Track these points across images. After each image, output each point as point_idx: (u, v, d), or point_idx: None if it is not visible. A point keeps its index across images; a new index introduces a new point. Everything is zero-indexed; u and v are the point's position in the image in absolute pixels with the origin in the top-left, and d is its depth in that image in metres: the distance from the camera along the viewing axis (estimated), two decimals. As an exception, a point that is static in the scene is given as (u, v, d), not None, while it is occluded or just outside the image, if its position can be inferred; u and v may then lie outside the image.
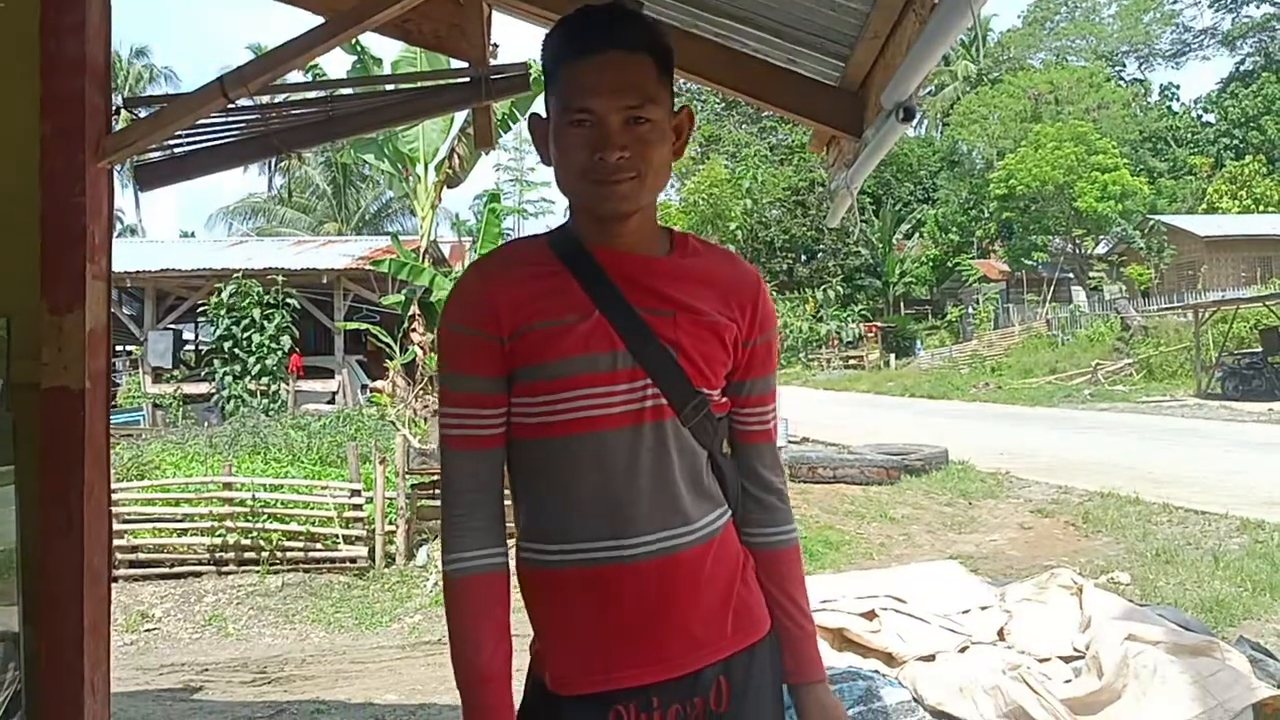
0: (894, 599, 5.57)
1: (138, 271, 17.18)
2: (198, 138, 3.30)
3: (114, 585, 8.36)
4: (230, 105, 3.21)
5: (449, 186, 14.42)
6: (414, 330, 14.53)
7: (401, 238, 15.09)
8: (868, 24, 2.73)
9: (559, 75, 1.56)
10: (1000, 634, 5.41)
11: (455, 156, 13.91)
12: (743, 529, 1.71)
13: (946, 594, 5.89)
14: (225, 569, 8.63)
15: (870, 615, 5.37)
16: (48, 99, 2.93)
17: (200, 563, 8.70)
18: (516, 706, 1.62)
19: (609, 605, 1.56)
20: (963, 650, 5.08)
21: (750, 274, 1.71)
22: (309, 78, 12.62)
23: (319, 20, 3.37)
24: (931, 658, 4.97)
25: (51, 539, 2.94)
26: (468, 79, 3.34)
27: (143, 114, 3.28)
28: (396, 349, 14.63)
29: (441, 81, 3.41)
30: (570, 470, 1.57)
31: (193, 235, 47.29)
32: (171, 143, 3.30)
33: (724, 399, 1.67)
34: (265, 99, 3.46)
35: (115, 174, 3.47)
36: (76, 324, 2.96)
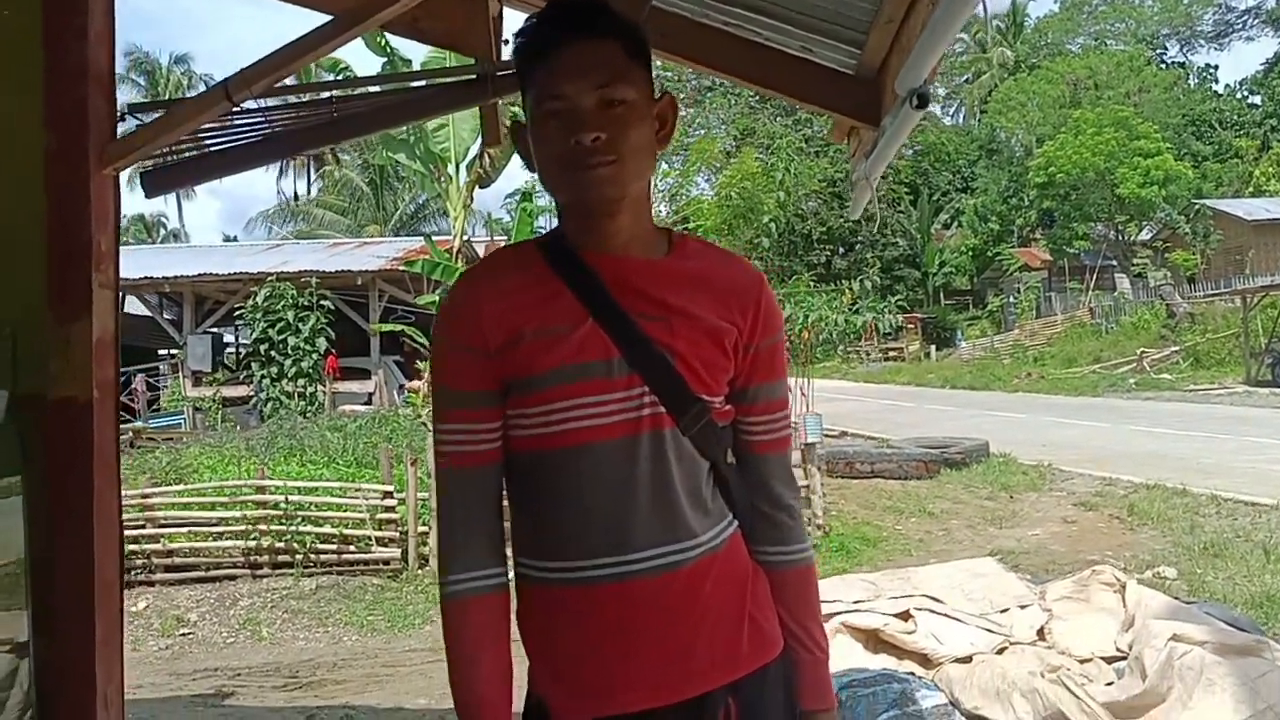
0: (930, 599, 5.44)
1: (176, 276, 17.38)
2: (204, 142, 3.26)
3: (151, 589, 8.47)
4: (235, 108, 3.17)
5: (481, 186, 14.40)
6: (448, 330, 14.45)
7: (435, 238, 15.10)
8: (881, 9, 2.62)
9: (530, 75, 1.52)
10: (1040, 633, 5.26)
11: (486, 156, 13.85)
12: (752, 546, 1.64)
13: (984, 592, 5.75)
14: (259, 572, 8.66)
15: (905, 616, 5.25)
16: (51, 106, 2.89)
17: (235, 566, 8.73)
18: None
19: (606, 625, 1.50)
20: (1000, 651, 4.95)
21: (752, 276, 1.64)
22: (337, 78, 12.64)
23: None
24: (968, 659, 4.85)
25: (61, 551, 2.91)
26: (475, 75, 3.27)
27: (147, 119, 3.25)
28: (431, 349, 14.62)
29: (448, 79, 3.35)
30: (566, 483, 1.51)
31: (235, 240, 47.85)
32: (178, 147, 3.26)
33: (727, 407, 1.60)
34: (272, 101, 3.42)
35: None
36: (84, 333, 2.93)
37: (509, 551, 1.59)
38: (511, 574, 1.59)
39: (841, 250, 41.93)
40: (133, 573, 8.50)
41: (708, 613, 1.54)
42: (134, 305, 20.60)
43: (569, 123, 1.45)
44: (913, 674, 4.85)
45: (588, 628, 1.51)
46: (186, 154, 3.26)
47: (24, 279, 2.94)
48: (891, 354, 36.51)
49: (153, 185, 3.32)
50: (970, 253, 42.06)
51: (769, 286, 1.69)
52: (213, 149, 3.24)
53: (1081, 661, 4.78)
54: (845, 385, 28.71)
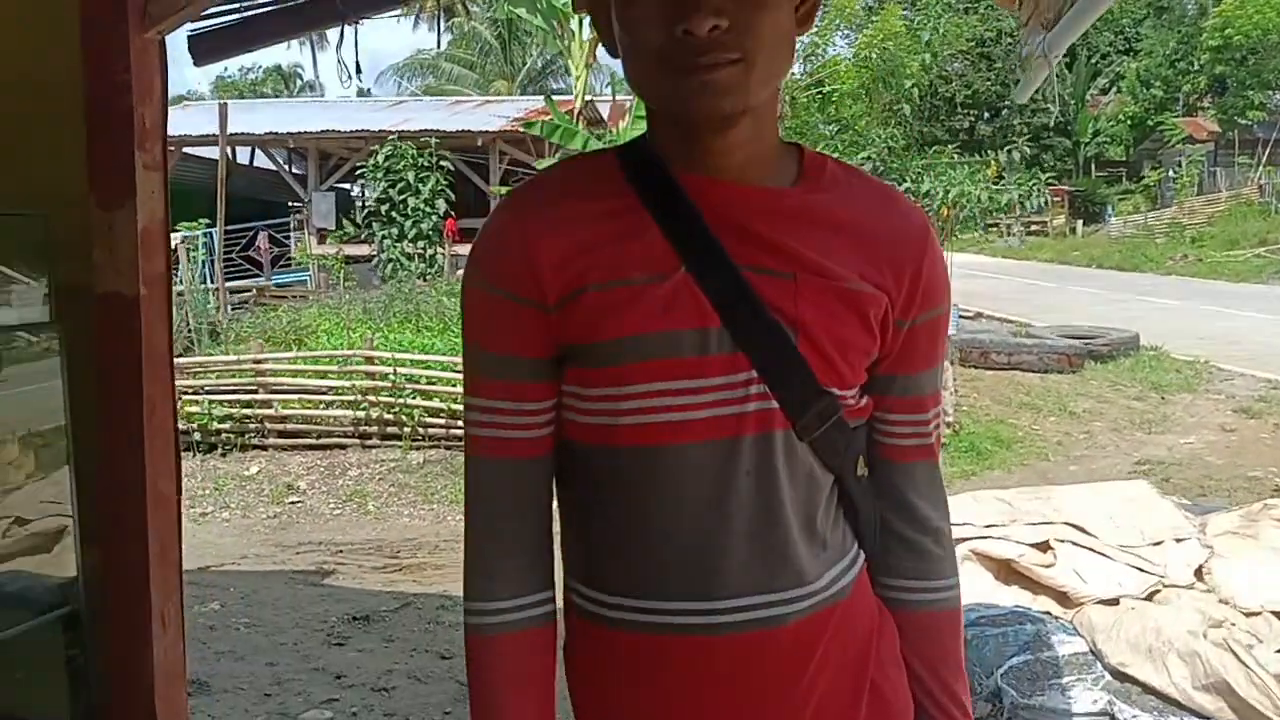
0: (1073, 527, 4.89)
1: (300, 132, 17.32)
2: (257, 2, 2.84)
3: (264, 454, 8.51)
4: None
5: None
6: (566, 195, 14.11)
7: (558, 98, 14.56)
8: None
9: None
10: (1198, 574, 4.68)
11: (611, 11, 13.09)
12: (881, 578, 1.23)
13: (1135, 520, 5.17)
14: (369, 443, 8.63)
15: (1044, 546, 4.73)
16: (82, -44, 2.54)
17: (345, 435, 8.72)
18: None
19: (679, 693, 1.12)
20: (1152, 595, 4.41)
21: (915, 220, 1.18)
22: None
23: None
24: (1114, 602, 4.32)
25: (110, 462, 2.66)
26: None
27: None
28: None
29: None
30: (636, 496, 1.12)
31: (368, 93, 48.01)
32: (228, 9, 2.85)
33: (864, 401, 1.17)
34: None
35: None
36: (128, 221, 2.61)
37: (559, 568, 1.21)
38: (560, 597, 1.20)
39: (987, 115, 39.59)
40: (246, 436, 8.59)
41: (815, 684, 1.14)
42: (262, 159, 20.81)
43: (675, 2, 1.01)
44: (1048, 614, 4.36)
45: (654, 691, 1.13)
46: (238, 15, 2.85)
47: (65, 158, 2.64)
48: (1034, 228, 34.64)
49: (201, 51, 2.93)
50: (1128, 121, 39.19)
51: (934, 235, 1.20)
52: (266, 9, 2.82)
53: (1247, 615, 4.21)
54: (983, 261, 27.42)
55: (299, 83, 54.17)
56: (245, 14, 2.89)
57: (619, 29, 1.07)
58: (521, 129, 15.24)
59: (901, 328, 1.15)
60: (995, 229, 34.67)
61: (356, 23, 2.63)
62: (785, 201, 1.12)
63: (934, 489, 1.25)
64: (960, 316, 15.45)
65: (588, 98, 15.29)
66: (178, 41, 2.92)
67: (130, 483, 2.66)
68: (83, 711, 2.66)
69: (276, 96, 35.14)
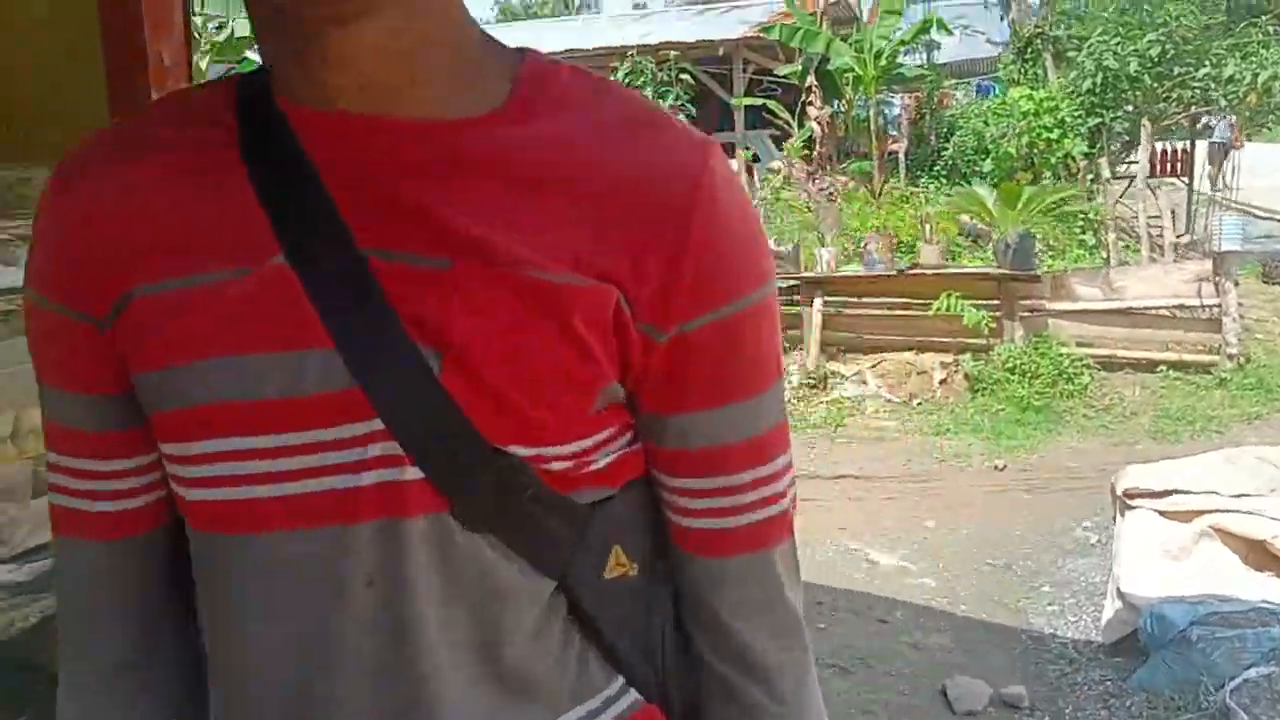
0: (1356, 501, 3.92)
1: (549, 52, 17.33)
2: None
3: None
4: None
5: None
6: (810, 104, 13.33)
7: (798, -1, 13.61)
8: None
9: None
10: None
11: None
12: None
13: None
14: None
15: (1312, 525, 3.80)
16: None
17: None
18: None
19: None
20: None
21: (684, 162, 0.69)
22: None
23: None
24: (1400, 603, 3.41)
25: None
26: None
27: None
28: (795, 125, 13.62)
29: None
30: (217, 607, 0.75)
31: (643, 6, 47.83)
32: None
33: (613, 456, 0.73)
34: None
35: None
36: (147, 170, 2.38)
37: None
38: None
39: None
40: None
41: None
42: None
43: None
44: (1309, 613, 3.49)
45: None
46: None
47: (86, 100, 2.45)
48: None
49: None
50: None
51: (726, 183, 0.69)
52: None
53: None
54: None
55: (576, 2, 54.87)
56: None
57: None
58: (762, 34, 14.49)
59: (657, 338, 0.68)
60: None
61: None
62: (456, 142, 0.66)
63: (758, 596, 0.77)
64: (1270, 217, 13.26)
65: (835, -6, 14.23)
66: None
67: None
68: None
69: (554, 18, 35.67)
